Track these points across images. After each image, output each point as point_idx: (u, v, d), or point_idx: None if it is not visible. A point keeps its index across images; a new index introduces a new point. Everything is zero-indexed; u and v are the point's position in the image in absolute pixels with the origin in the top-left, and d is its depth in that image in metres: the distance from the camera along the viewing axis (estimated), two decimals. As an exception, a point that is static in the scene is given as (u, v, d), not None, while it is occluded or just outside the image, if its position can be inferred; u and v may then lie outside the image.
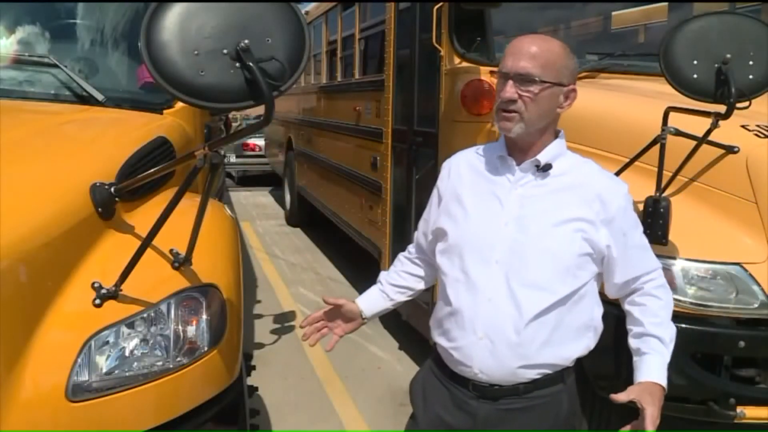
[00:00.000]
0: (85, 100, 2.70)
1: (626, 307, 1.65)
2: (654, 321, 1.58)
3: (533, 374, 1.54)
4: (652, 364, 1.54)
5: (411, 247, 1.87)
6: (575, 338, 1.57)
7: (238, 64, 1.35)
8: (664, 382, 1.52)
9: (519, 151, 1.57)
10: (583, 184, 1.55)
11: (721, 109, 2.23)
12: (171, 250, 1.73)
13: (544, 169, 1.54)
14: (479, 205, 1.58)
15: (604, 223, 1.52)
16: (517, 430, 1.56)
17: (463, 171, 1.67)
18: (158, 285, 1.68)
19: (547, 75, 1.49)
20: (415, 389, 1.76)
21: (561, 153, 1.58)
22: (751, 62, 2.20)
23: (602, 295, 1.63)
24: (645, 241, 1.64)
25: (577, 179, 1.55)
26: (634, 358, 1.59)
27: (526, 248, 1.50)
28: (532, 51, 1.49)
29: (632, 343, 1.61)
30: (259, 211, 10.16)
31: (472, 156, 1.69)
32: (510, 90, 1.49)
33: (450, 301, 1.58)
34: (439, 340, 1.64)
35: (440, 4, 3.55)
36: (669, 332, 1.58)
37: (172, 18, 1.36)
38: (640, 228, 1.63)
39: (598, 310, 1.61)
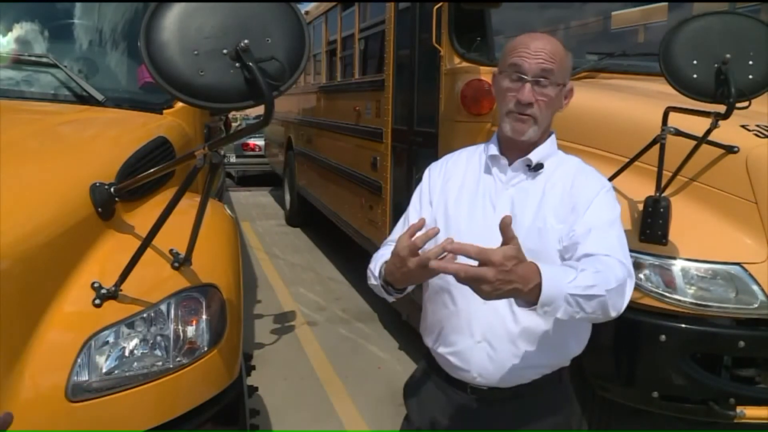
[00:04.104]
0: (85, 100, 2.70)
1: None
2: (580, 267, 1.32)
3: (531, 375, 1.54)
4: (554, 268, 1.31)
5: None
6: (571, 336, 1.56)
7: (237, 64, 1.34)
8: (545, 275, 1.22)
9: (517, 150, 1.55)
10: (564, 181, 1.53)
11: (721, 109, 2.23)
12: (171, 250, 1.73)
13: (536, 168, 1.54)
14: (470, 207, 1.56)
15: (572, 218, 1.46)
16: (515, 430, 1.56)
17: (448, 175, 1.64)
18: (158, 285, 1.68)
19: (561, 77, 1.49)
20: (410, 393, 1.74)
21: (552, 152, 1.57)
22: (751, 62, 2.20)
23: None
24: (613, 241, 1.42)
25: (561, 177, 1.54)
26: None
27: None
28: (548, 51, 1.47)
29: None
30: (259, 211, 10.15)
31: (458, 159, 1.67)
32: (528, 93, 1.47)
33: (445, 305, 1.56)
34: (434, 345, 1.62)
35: (440, 4, 3.55)
36: (589, 277, 1.27)
37: (171, 18, 1.36)
38: (614, 230, 1.45)
39: None
